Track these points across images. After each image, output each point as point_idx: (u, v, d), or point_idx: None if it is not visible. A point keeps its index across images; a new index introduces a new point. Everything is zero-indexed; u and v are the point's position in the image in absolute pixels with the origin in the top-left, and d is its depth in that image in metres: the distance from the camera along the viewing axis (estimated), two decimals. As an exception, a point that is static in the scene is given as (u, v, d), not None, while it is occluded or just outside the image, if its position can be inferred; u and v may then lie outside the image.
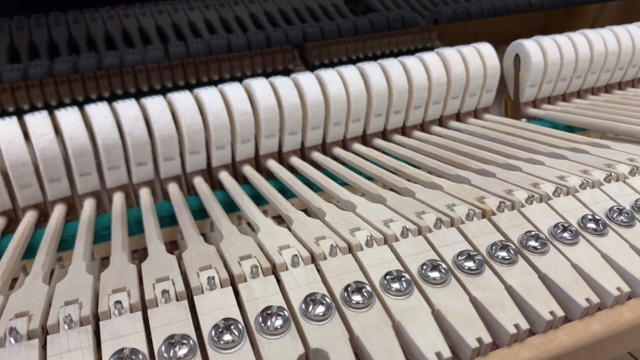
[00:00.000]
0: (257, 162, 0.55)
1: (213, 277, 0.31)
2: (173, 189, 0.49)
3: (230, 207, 0.49)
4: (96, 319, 0.30)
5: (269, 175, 0.54)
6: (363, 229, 0.36)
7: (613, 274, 0.33)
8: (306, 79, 0.53)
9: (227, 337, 0.27)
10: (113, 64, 0.61)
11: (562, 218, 0.37)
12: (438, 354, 0.27)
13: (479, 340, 0.28)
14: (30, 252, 0.43)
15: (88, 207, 0.46)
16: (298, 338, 0.28)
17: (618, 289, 0.32)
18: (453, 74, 0.59)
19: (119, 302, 0.29)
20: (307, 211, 0.45)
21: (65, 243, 0.45)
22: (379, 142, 0.58)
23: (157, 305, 0.30)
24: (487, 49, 0.61)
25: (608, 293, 0.31)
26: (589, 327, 0.31)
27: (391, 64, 0.57)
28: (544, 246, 0.34)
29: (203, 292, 0.31)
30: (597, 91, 0.70)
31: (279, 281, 0.32)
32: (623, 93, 0.70)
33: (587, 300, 0.31)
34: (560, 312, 0.30)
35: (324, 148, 0.58)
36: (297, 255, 0.33)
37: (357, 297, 0.30)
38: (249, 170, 0.53)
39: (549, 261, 0.33)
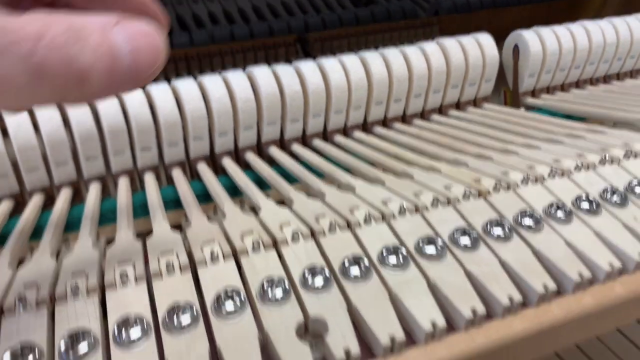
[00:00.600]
0: (259, 149, 0.56)
1: (216, 251, 0.32)
2: (177, 173, 0.50)
3: (232, 192, 0.49)
4: (102, 289, 0.31)
5: (271, 163, 0.55)
6: (362, 208, 0.37)
7: (605, 250, 0.34)
8: (308, 67, 0.54)
9: (229, 305, 0.28)
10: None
11: (557, 198, 0.38)
12: (433, 323, 0.28)
13: (473, 311, 0.29)
14: (36, 234, 0.44)
15: (94, 190, 0.48)
16: (298, 307, 0.29)
17: (610, 264, 0.32)
18: (453, 63, 0.60)
19: (124, 273, 0.31)
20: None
21: (72, 225, 0.46)
22: (380, 130, 0.59)
23: (162, 277, 0.31)
24: (486, 39, 0.62)
25: (600, 268, 0.32)
26: (581, 300, 0.32)
27: (392, 52, 0.58)
28: (538, 224, 0.35)
29: (206, 265, 0.32)
30: (595, 82, 0.71)
31: (279, 255, 0.33)
32: (621, 84, 0.70)
33: (580, 274, 0.32)
34: (552, 286, 0.31)
35: (325, 136, 0.59)
36: (297, 231, 0.34)
37: (354, 270, 0.31)
38: (251, 157, 0.54)
39: (542, 238, 0.34)
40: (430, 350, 0.28)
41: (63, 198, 0.47)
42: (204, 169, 0.51)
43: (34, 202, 0.46)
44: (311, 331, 0.29)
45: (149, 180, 0.49)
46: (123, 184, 0.48)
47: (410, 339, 0.29)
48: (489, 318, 0.30)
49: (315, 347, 0.29)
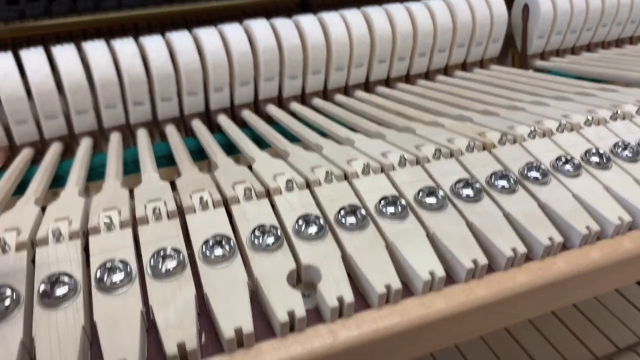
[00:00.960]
0: (257, 108, 0.55)
1: (205, 198, 0.31)
2: (170, 129, 0.49)
3: (228, 149, 0.48)
4: (86, 236, 0.29)
5: (269, 122, 0.53)
6: (360, 159, 0.35)
7: (615, 204, 0.32)
8: (308, 20, 0.52)
9: (218, 251, 0.27)
10: (111, 5, 0.59)
11: (565, 152, 0.36)
12: (432, 273, 0.27)
13: (474, 261, 0.28)
14: (24, 188, 0.42)
15: (84, 144, 0.46)
16: (290, 255, 0.28)
17: (619, 218, 0.31)
18: (459, 21, 0.57)
19: (108, 217, 0.29)
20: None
21: (62, 179, 0.45)
22: (382, 89, 0.56)
23: (148, 223, 0.30)
24: (495, -4, 0.60)
25: (609, 222, 0.31)
26: (588, 255, 0.30)
27: (395, 8, 0.55)
28: (545, 177, 0.33)
29: (195, 212, 0.30)
30: (607, 45, 0.68)
31: (272, 204, 0.31)
32: (634, 47, 0.68)
33: (587, 228, 0.30)
34: (559, 239, 0.29)
35: (326, 95, 0.57)
36: (291, 180, 0.32)
37: (351, 219, 0.29)
38: (247, 114, 0.52)
39: (549, 191, 0.33)
40: (428, 300, 0.27)
41: (52, 151, 0.45)
42: (198, 125, 0.49)
43: (23, 155, 0.45)
44: (304, 280, 0.28)
45: (141, 134, 0.47)
46: (115, 137, 0.47)
47: (408, 290, 0.28)
48: (491, 271, 0.29)
49: (308, 300, 0.27)
